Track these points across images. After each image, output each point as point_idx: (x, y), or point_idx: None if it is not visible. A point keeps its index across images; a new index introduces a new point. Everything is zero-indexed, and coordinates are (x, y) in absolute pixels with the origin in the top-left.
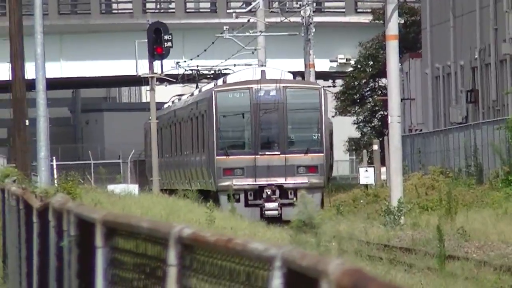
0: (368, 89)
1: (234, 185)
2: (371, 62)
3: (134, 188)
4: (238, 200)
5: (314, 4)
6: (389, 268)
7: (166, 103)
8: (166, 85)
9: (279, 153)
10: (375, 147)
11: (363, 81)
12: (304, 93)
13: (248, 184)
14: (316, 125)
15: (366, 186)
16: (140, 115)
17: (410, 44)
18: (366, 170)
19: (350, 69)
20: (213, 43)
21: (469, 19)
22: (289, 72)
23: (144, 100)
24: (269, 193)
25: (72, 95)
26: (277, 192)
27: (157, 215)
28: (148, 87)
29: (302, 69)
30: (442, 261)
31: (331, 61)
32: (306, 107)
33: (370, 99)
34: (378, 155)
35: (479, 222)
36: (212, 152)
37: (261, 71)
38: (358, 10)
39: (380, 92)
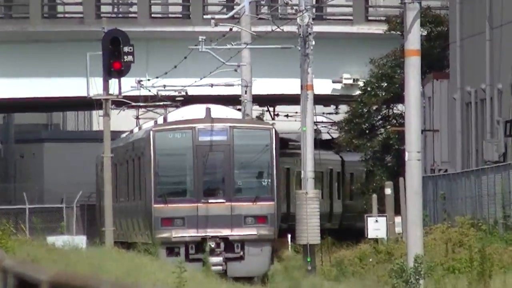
0: (380, 117)
1: (174, 237)
2: (385, 84)
3: (81, 240)
4: (178, 254)
5: (314, 10)
6: None
7: (125, 132)
8: (124, 110)
9: (224, 201)
10: (388, 191)
11: (374, 108)
12: (253, 133)
13: (189, 236)
14: (267, 169)
15: (376, 240)
16: (90, 147)
17: (434, 62)
18: (377, 221)
19: (358, 92)
20: (185, 57)
21: (510, 30)
22: (282, 94)
23: (95, 128)
24: (213, 246)
25: (3, 121)
26: (222, 245)
27: (111, 275)
28: (101, 112)
29: (297, 91)
30: None
31: (334, 81)
32: (255, 150)
33: (383, 130)
34: (391, 202)
35: None
36: (149, 200)
37: (206, 108)
38: (370, 18)
39: (395, 121)
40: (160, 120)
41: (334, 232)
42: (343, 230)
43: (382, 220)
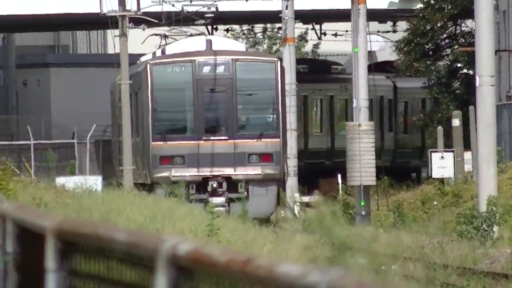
0: (445, 36)
1: (173, 176)
2: None
3: (96, 181)
4: (176, 195)
5: None
6: None
7: (143, 55)
8: (144, 29)
9: (227, 138)
10: (456, 122)
11: (439, 24)
12: (257, 67)
13: (189, 175)
14: (272, 105)
15: (441, 181)
16: (104, 72)
17: None
18: (442, 157)
19: (420, 6)
20: None
21: None
22: (330, 10)
23: (111, 51)
24: (214, 186)
25: (2, 42)
26: (224, 184)
27: (132, 222)
28: (117, 32)
29: (347, 5)
30: None
31: None
32: (260, 84)
33: (449, 50)
34: (460, 135)
35: None
36: (147, 137)
37: (207, 40)
38: None
39: (463, 40)
40: (159, 53)
41: (385, 171)
42: (395, 168)
43: (449, 156)
